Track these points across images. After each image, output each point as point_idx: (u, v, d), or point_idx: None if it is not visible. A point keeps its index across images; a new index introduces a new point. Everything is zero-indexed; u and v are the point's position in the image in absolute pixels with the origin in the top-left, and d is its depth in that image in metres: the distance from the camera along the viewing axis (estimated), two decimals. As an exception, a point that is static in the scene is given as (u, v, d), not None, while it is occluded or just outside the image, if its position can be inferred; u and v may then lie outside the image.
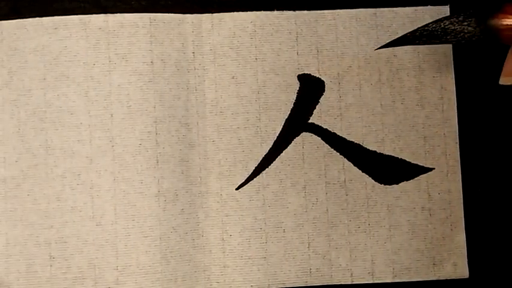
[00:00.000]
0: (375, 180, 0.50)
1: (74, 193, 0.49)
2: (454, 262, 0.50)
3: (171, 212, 0.49)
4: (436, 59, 0.51)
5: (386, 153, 0.51)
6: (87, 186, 0.49)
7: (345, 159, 0.50)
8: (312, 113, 0.51)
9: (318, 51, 0.51)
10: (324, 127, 0.51)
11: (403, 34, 0.46)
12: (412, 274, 0.50)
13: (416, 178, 0.51)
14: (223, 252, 0.50)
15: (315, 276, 0.50)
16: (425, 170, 0.51)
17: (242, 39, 0.51)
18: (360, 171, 0.50)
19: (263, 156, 0.50)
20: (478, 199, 0.51)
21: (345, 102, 0.51)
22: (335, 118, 0.51)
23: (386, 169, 0.50)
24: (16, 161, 0.49)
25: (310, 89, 0.51)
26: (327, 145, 0.50)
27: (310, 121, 0.51)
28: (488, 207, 0.51)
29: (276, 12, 0.51)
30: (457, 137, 0.51)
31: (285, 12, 0.51)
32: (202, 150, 0.50)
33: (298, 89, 0.51)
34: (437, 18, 0.51)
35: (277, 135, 0.50)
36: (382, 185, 0.50)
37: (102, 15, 0.50)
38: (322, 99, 0.51)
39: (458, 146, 0.51)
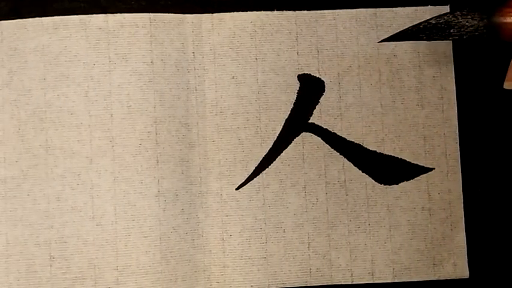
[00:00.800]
0: (375, 180, 0.50)
1: (74, 193, 0.49)
2: (454, 262, 0.50)
3: (171, 212, 0.49)
4: (436, 59, 0.51)
5: (386, 153, 0.51)
6: (87, 186, 0.49)
7: (345, 159, 0.50)
8: (312, 113, 0.51)
9: (318, 51, 0.51)
10: (324, 127, 0.51)
11: (405, 28, 0.46)
12: (412, 274, 0.50)
13: (416, 178, 0.51)
14: (223, 252, 0.50)
15: (315, 276, 0.50)
16: (425, 170, 0.51)
17: (242, 39, 0.51)
18: (360, 171, 0.50)
19: (263, 156, 0.50)
20: (478, 199, 0.51)
21: (345, 102, 0.51)
22: (335, 118, 0.51)
23: (387, 169, 0.50)
24: (16, 161, 0.49)
25: (310, 89, 0.51)
26: (327, 145, 0.50)
27: (310, 121, 0.51)
28: (488, 207, 0.51)
29: (276, 12, 0.51)
30: (457, 137, 0.51)
31: (285, 12, 0.51)
32: (202, 150, 0.50)
33: (298, 89, 0.51)
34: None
35: (277, 135, 0.50)
36: (382, 185, 0.50)
37: (102, 15, 0.50)
38: (322, 99, 0.51)
39: (458, 146, 0.51)
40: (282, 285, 0.50)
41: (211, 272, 0.50)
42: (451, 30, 0.45)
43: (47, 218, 0.49)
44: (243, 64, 0.51)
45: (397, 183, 0.50)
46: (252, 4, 0.51)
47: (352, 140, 0.51)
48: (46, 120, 0.49)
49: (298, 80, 0.51)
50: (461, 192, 0.51)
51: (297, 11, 0.51)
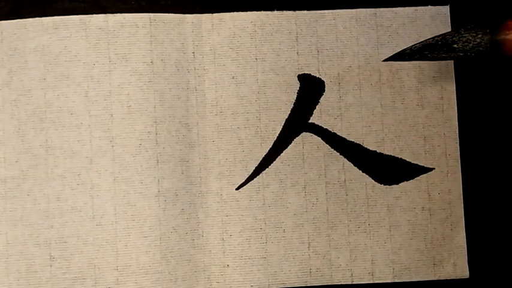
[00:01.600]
0: (375, 180, 0.50)
1: (74, 193, 0.49)
2: (454, 262, 0.50)
3: (171, 212, 0.49)
4: (436, 59, 0.51)
5: (386, 153, 0.51)
6: (87, 186, 0.49)
7: (345, 159, 0.50)
8: (312, 113, 0.51)
9: (318, 51, 0.51)
10: (324, 127, 0.51)
11: (407, 47, 0.46)
12: (412, 274, 0.50)
13: (416, 178, 0.51)
14: (223, 252, 0.50)
15: (315, 276, 0.50)
16: (425, 170, 0.51)
17: (242, 39, 0.51)
18: (360, 171, 0.50)
19: (263, 156, 0.50)
20: (478, 199, 0.51)
21: (345, 102, 0.51)
22: (335, 118, 0.51)
23: (387, 169, 0.50)
24: (16, 161, 0.49)
25: (310, 89, 0.51)
26: (327, 145, 0.51)
27: (310, 121, 0.51)
28: (488, 207, 0.51)
29: (276, 12, 0.51)
30: (457, 137, 0.51)
31: (285, 12, 0.51)
32: (202, 150, 0.50)
33: (298, 89, 0.51)
34: (437, 18, 0.51)
35: (277, 135, 0.50)
36: (382, 185, 0.50)
37: (102, 15, 0.50)
38: (322, 99, 0.51)
39: (458, 146, 0.51)
40: (282, 285, 0.50)
41: (211, 272, 0.50)
42: (455, 46, 0.45)
43: (47, 218, 0.49)
44: (243, 64, 0.51)
45: (397, 183, 0.50)
46: (252, 4, 0.51)
47: (352, 140, 0.51)
48: (46, 120, 0.49)
49: (298, 80, 0.51)
50: (461, 192, 0.51)
51: (297, 11, 0.51)
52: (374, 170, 0.50)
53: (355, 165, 0.50)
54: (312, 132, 0.51)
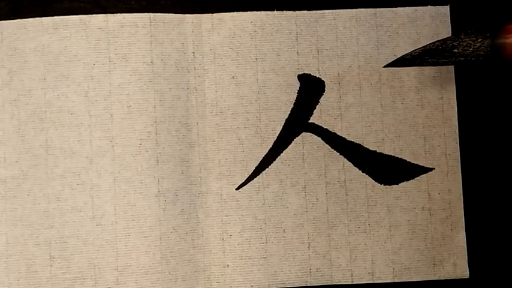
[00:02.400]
0: (375, 180, 0.50)
1: (74, 193, 0.49)
2: (454, 262, 0.50)
3: (171, 212, 0.49)
4: (436, 59, 0.51)
5: (386, 153, 0.51)
6: (87, 186, 0.49)
7: (345, 159, 0.50)
8: (312, 113, 0.51)
9: (318, 51, 0.51)
10: (324, 127, 0.51)
11: (408, 52, 0.46)
12: (412, 274, 0.50)
13: (416, 178, 0.51)
14: (223, 252, 0.50)
15: (314, 276, 0.50)
16: (425, 170, 0.51)
17: (242, 39, 0.51)
18: (360, 171, 0.50)
19: (263, 156, 0.50)
20: (478, 199, 0.51)
21: (345, 102, 0.51)
22: (335, 118, 0.51)
23: (387, 169, 0.50)
24: (16, 161, 0.49)
25: (310, 89, 0.51)
26: (327, 145, 0.51)
27: (310, 121, 0.51)
28: (488, 207, 0.51)
29: (276, 12, 0.51)
30: (457, 137, 0.51)
31: (285, 12, 0.51)
32: (202, 150, 0.50)
33: (298, 89, 0.51)
34: (437, 18, 0.51)
35: (277, 135, 0.50)
36: (382, 185, 0.50)
37: (102, 15, 0.50)
38: (322, 99, 0.51)
39: (458, 146, 0.51)
40: (282, 285, 0.50)
41: (211, 272, 0.50)
42: (455, 51, 0.45)
43: (47, 218, 0.49)
44: (243, 64, 0.51)
45: (397, 183, 0.50)
46: (252, 4, 0.51)
47: (352, 140, 0.51)
48: (46, 120, 0.49)
49: (298, 80, 0.51)
50: (461, 192, 0.51)
51: (297, 11, 0.51)
52: (374, 170, 0.50)
53: (355, 165, 0.50)
54: (312, 132, 0.51)
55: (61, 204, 0.49)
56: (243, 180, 0.50)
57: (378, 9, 0.51)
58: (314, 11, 0.51)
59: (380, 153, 0.51)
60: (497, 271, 0.50)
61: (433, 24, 0.51)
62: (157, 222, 0.49)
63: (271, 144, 0.50)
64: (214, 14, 0.51)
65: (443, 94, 0.51)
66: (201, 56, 0.50)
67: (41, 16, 0.50)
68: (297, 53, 0.51)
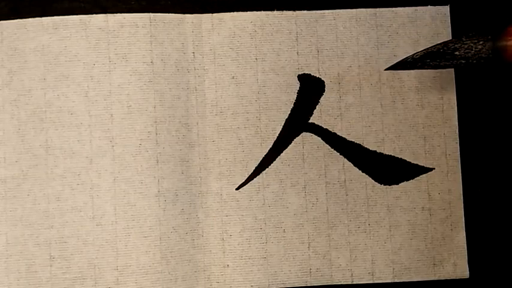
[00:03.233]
0: (375, 180, 0.50)
1: (74, 193, 0.49)
2: (454, 262, 0.50)
3: (171, 212, 0.49)
4: (436, 59, 0.51)
5: (386, 153, 0.51)
6: (87, 186, 0.49)
7: (345, 159, 0.50)
8: (312, 113, 0.51)
9: (318, 51, 0.51)
10: (324, 127, 0.51)
11: (409, 55, 0.46)
12: (412, 274, 0.50)
13: (416, 178, 0.51)
14: (223, 252, 0.50)
15: (314, 276, 0.50)
16: (425, 170, 0.51)
17: (242, 39, 0.51)
18: (360, 171, 0.50)
19: (263, 156, 0.50)
20: (478, 199, 0.51)
21: (345, 102, 0.51)
22: (335, 118, 0.51)
23: (387, 169, 0.50)
24: (16, 161, 0.49)
25: (310, 89, 0.51)
26: (327, 145, 0.51)
27: (310, 121, 0.51)
28: (488, 207, 0.51)
29: (276, 12, 0.51)
30: (457, 137, 0.51)
31: (285, 12, 0.51)
32: (202, 150, 0.50)
33: (298, 89, 0.51)
34: (437, 18, 0.51)
35: (277, 135, 0.50)
36: (382, 185, 0.50)
37: (102, 15, 0.50)
38: (322, 99, 0.51)
39: (458, 146, 0.51)
40: (282, 285, 0.50)
41: (211, 272, 0.50)
42: (457, 53, 0.45)
43: (47, 218, 0.49)
44: (243, 64, 0.51)
45: (397, 183, 0.50)
46: (252, 4, 0.51)
47: (352, 140, 0.51)
48: (46, 120, 0.49)
49: (298, 80, 0.51)
50: (461, 192, 0.51)
51: (297, 11, 0.51)
52: (374, 170, 0.50)
53: (355, 165, 0.50)
54: (312, 132, 0.51)
55: (61, 204, 0.49)
56: (243, 180, 0.50)
57: (378, 9, 0.51)
58: (314, 11, 0.51)
59: (380, 153, 0.51)
60: (497, 271, 0.50)
61: (433, 24, 0.51)
62: (157, 222, 0.49)
63: (271, 144, 0.50)
64: (214, 14, 0.51)
65: (443, 94, 0.51)
66: (201, 56, 0.50)
67: (41, 16, 0.50)
68: (297, 53, 0.51)
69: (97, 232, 0.49)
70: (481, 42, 0.45)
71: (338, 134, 0.51)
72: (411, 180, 0.51)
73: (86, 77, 0.49)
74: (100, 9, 0.50)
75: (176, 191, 0.49)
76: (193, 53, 0.50)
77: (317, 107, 0.51)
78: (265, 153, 0.50)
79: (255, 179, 0.50)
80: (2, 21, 0.50)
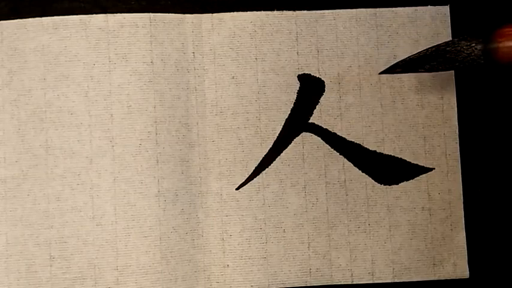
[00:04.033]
0: (375, 180, 0.50)
1: (74, 193, 0.49)
2: (454, 262, 0.50)
3: (171, 212, 0.49)
4: (436, 59, 0.51)
5: (386, 153, 0.51)
6: (87, 186, 0.49)
7: (345, 159, 0.50)
8: (312, 113, 0.51)
9: (318, 51, 0.51)
10: (324, 127, 0.51)
11: (402, 59, 0.47)
12: (412, 274, 0.50)
13: (416, 178, 0.51)
14: (223, 252, 0.50)
15: (314, 276, 0.50)
16: (425, 170, 0.51)
17: (242, 39, 0.51)
18: (360, 171, 0.50)
19: (263, 156, 0.50)
20: (478, 199, 0.51)
21: (345, 102, 0.51)
22: (335, 118, 0.51)
23: (387, 169, 0.50)
24: (16, 161, 0.49)
25: (310, 89, 0.51)
26: (327, 145, 0.51)
27: (310, 121, 0.51)
28: (488, 207, 0.51)
29: (276, 12, 0.51)
30: (457, 137, 0.51)
31: (285, 12, 0.51)
32: (202, 150, 0.50)
33: (298, 89, 0.51)
34: (437, 18, 0.51)
35: (277, 135, 0.50)
36: (382, 185, 0.50)
37: (102, 15, 0.50)
38: (322, 99, 0.51)
39: (458, 146, 0.51)
40: (282, 285, 0.50)
41: (211, 272, 0.50)
42: (448, 56, 0.45)
43: (47, 218, 0.49)
44: (243, 64, 0.51)
45: (397, 183, 0.50)
46: (252, 4, 0.51)
47: (352, 140, 0.51)
48: (46, 120, 0.49)
49: (298, 80, 0.51)
50: (461, 192, 0.51)
51: (297, 11, 0.51)
52: (374, 170, 0.50)
53: (355, 165, 0.50)
54: (312, 132, 0.51)
55: (61, 204, 0.49)
56: (243, 180, 0.50)
57: (378, 9, 0.51)
58: (314, 11, 0.51)
59: (380, 153, 0.51)
60: (497, 271, 0.50)
61: (433, 24, 0.51)
62: (157, 222, 0.49)
63: (271, 144, 0.50)
64: (214, 14, 0.51)
65: (443, 94, 0.51)
66: (201, 56, 0.50)
67: (41, 16, 0.50)
68: (297, 53, 0.51)
69: (97, 232, 0.49)
70: (472, 45, 0.45)
71: (338, 134, 0.51)
72: (411, 180, 0.51)
73: (86, 77, 0.49)
74: (100, 9, 0.50)
75: (176, 191, 0.49)
76: (193, 53, 0.50)
77: (317, 107, 0.51)
78: (265, 153, 0.50)
79: (255, 179, 0.50)
80: (2, 21, 0.50)
